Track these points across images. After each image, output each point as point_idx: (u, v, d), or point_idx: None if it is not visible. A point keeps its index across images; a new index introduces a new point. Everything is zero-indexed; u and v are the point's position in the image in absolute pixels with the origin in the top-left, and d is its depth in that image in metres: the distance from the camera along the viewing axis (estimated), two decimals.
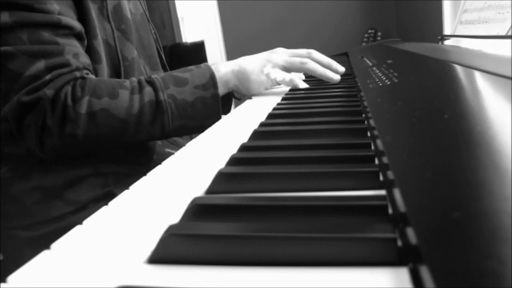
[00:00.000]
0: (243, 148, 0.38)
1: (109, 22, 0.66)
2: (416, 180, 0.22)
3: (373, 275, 0.18)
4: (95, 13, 0.64)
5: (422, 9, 1.84)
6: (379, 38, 2.27)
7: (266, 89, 0.71)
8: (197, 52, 2.91)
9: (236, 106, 0.67)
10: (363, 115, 0.47)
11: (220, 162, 0.34)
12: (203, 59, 2.71)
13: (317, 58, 0.71)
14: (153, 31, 0.82)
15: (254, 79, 0.66)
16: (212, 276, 0.19)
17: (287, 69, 0.69)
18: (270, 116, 0.53)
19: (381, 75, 0.61)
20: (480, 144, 0.24)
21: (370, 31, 2.32)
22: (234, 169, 0.32)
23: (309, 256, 0.19)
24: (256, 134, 0.43)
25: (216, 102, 0.62)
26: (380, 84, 0.54)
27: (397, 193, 0.21)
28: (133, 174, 0.33)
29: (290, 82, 0.69)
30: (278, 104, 0.61)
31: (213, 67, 0.64)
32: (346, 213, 0.23)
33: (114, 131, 0.58)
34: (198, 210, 0.25)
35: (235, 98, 0.90)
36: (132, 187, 0.31)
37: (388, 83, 0.53)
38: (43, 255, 0.21)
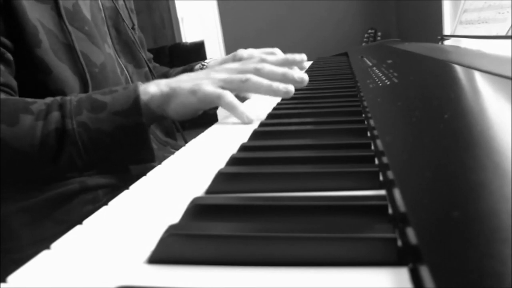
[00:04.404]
0: (243, 148, 0.38)
1: (65, 23, 0.58)
2: (416, 180, 0.22)
3: (373, 275, 0.18)
4: (47, 15, 0.57)
5: (422, 9, 1.84)
6: (379, 38, 2.27)
7: (198, 113, 0.55)
8: (197, 52, 2.91)
9: None
10: (363, 115, 0.47)
11: (220, 162, 0.34)
12: (203, 59, 2.70)
13: (268, 71, 0.55)
14: (130, 26, 0.76)
15: (180, 102, 0.51)
16: (212, 276, 0.19)
17: (226, 89, 0.53)
18: (270, 116, 0.53)
19: (381, 75, 0.61)
20: (480, 144, 0.24)
21: (370, 31, 2.32)
22: (234, 169, 0.32)
23: (309, 256, 0.19)
24: (256, 134, 0.43)
25: (143, 132, 0.50)
26: (380, 84, 0.54)
27: (397, 193, 0.21)
28: (124, 185, 0.30)
29: (228, 105, 0.51)
30: (278, 104, 0.61)
31: (142, 88, 0.51)
32: (346, 213, 0.23)
33: (13, 165, 0.49)
34: (198, 210, 0.25)
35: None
36: (132, 187, 0.31)
37: (388, 83, 0.53)
38: (43, 255, 0.21)
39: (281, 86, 0.53)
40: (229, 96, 0.51)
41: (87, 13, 0.64)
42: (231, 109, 0.51)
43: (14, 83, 0.55)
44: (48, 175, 0.53)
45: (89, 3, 0.65)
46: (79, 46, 0.60)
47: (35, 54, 0.56)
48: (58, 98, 0.51)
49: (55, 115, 0.49)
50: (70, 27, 0.59)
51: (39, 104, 0.50)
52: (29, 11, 0.55)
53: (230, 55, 0.82)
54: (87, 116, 0.49)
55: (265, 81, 0.53)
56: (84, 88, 0.60)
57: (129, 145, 0.51)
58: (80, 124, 0.49)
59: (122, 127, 0.49)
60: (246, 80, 0.53)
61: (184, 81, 0.53)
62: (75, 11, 0.61)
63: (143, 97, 0.51)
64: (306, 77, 0.56)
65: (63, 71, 0.58)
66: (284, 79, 0.54)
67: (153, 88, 0.52)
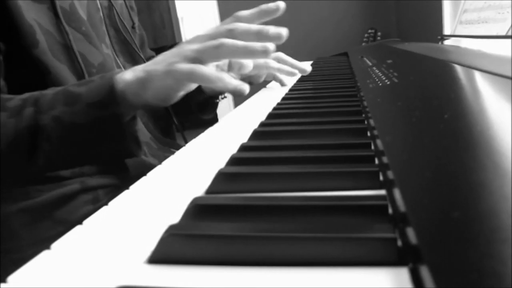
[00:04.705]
0: (243, 148, 0.38)
1: (62, 23, 0.57)
2: (416, 180, 0.22)
3: (373, 275, 0.18)
4: (44, 16, 0.57)
5: (422, 9, 1.84)
6: (379, 38, 2.27)
7: (179, 96, 0.50)
8: None
9: (236, 106, 0.67)
10: (363, 115, 0.47)
11: (220, 162, 0.34)
12: None
13: (241, 31, 0.49)
14: (129, 25, 0.75)
15: (158, 86, 0.47)
16: (212, 276, 0.19)
17: (203, 61, 0.47)
18: (270, 116, 0.53)
19: (381, 75, 0.61)
20: (480, 144, 0.24)
21: (370, 31, 2.32)
22: (234, 169, 0.32)
23: (309, 256, 0.19)
24: (256, 134, 0.43)
25: (121, 123, 0.47)
26: (380, 84, 0.54)
27: (397, 193, 0.21)
28: (124, 185, 0.30)
29: (202, 78, 0.46)
30: (278, 104, 0.61)
31: (118, 76, 0.48)
32: (346, 213, 0.23)
33: None
34: (198, 210, 0.25)
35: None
36: (132, 187, 0.31)
37: (388, 83, 0.53)
38: (43, 255, 0.21)
39: (257, 45, 0.47)
40: (201, 69, 0.45)
41: (83, 13, 0.63)
42: (208, 81, 0.45)
43: (1, 83, 0.55)
44: (31, 174, 0.51)
45: (86, 3, 0.65)
46: (76, 47, 0.59)
47: (32, 55, 0.55)
48: (36, 92, 0.49)
49: (29, 111, 0.47)
50: (67, 28, 0.58)
51: (15, 100, 0.48)
52: (25, 11, 0.54)
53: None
54: (61, 110, 0.46)
55: (239, 43, 0.47)
56: None
57: (108, 138, 0.48)
58: (54, 118, 0.46)
59: (98, 119, 0.46)
60: (220, 45, 0.47)
61: (158, 63, 0.48)
62: (72, 11, 0.60)
63: (119, 85, 0.47)
64: (283, 32, 0.49)
65: (62, 71, 0.58)
66: (260, 37, 0.49)
67: (128, 75, 0.48)
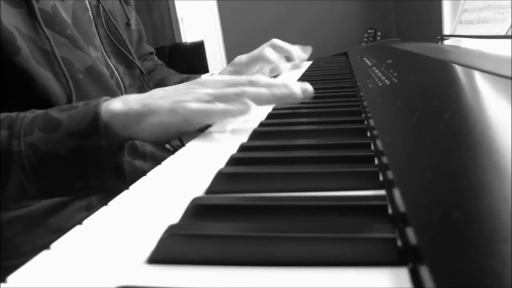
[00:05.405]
0: (243, 148, 0.38)
1: (41, 27, 0.54)
2: (416, 180, 0.22)
3: (373, 275, 0.18)
4: (23, 20, 0.53)
5: (422, 9, 1.84)
6: (379, 38, 2.27)
7: (177, 136, 0.46)
8: (197, 52, 2.91)
9: None
10: (363, 115, 0.46)
11: (220, 162, 0.34)
12: (203, 59, 2.71)
13: (265, 83, 0.47)
14: (124, 21, 0.74)
15: (158, 122, 0.43)
16: (212, 276, 0.19)
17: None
18: (270, 116, 0.53)
19: (380, 75, 0.61)
20: (480, 144, 0.24)
21: (370, 31, 2.32)
22: (234, 169, 0.32)
23: (309, 256, 0.19)
24: (256, 134, 0.43)
25: (103, 157, 0.43)
26: (380, 84, 0.54)
27: (397, 193, 0.21)
28: (118, 191, 0.31)
29: (223, 114, 0.44)
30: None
31: (104, 105, 0.44)
32: (346, 213, 0.23)
33: None
34: (198, 210, 0.25)
35: None
36: (132, 187, 0.31)
37: (388, 83, 0.53)
38: (43, 255, 0.21)
39: (285, 90, 0.44)
40: (220, 105, 0.44)
41: (67, 16, 0.60)
42: (229, 114, 0.43)
43: None
44: (4, 200, 0.48)
45: (71, 3, 0.62)
46: (61, 52, 0.56)
47: (14, 63, 0.52)
48: (14, 114, 0.46)
49: (3, 134, 0.43)
50: (49, 32, 0.55)
51: None
52: (2, 17, 0.52)
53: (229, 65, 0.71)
54: (38, 137, 0.43)
55: (263, 89, 0.45)
56: (67, 96, 0.57)
57: (87, 171, 0.44)
58: (29, 145, 0.43)
59: (78, 150, 0.43)
60: (243, 93, 0.44)
61: (161, 97, 0.45)
62: (55, 14, 0.57)
63: (104, 115, 0.43)
64: (310, 88, 0.47)
65: (47, 79, 0.55)
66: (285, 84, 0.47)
67: (117, 105, 0.44)
